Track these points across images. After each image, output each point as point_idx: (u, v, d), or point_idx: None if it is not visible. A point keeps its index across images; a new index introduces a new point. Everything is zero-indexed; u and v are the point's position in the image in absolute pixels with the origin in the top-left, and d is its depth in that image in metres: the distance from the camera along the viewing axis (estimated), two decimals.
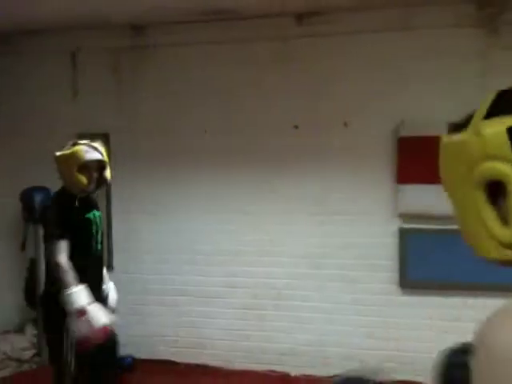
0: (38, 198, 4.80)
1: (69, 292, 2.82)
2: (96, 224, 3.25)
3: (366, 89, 4.38)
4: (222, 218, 4.73)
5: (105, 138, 4.93)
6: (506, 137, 0.85)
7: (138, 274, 4.93)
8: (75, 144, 3.12)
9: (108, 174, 3.17)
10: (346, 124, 4.44)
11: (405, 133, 4.29)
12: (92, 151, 3.06)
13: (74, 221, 3.04)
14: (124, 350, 4.87)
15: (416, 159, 4.23)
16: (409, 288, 4.37)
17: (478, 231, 0.92)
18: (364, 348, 4.40)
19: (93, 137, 4.86)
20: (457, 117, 4.02)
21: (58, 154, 3.09)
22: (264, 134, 4.59)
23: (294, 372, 4.58)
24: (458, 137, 0.94)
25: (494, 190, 0.89)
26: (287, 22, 4.48)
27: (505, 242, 0.88)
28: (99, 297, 3.14)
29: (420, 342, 4.33)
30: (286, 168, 4.58)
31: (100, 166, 3.13)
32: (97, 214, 3.31)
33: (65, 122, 5.00)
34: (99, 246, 3.29)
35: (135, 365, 4.78)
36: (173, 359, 4.81)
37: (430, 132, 4.22)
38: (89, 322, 2.79)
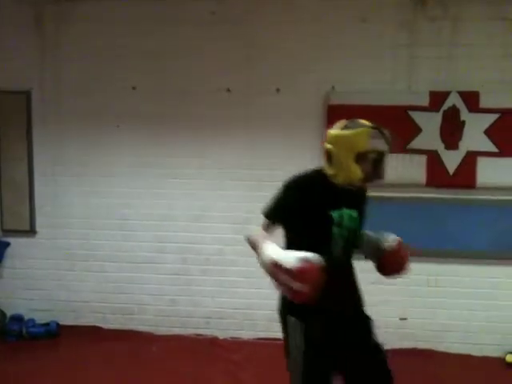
0: None
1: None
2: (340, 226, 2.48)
3: (299, 55, 4.37)
4: (151, 182, 4.64)
5: (26, 96, 4.72)
6: None
7: (62, 240, 4.77)
8: (358, 124, 2.38)
9: (384, 168, 2.40)
10: (278, 90, 4.44)
11: (334, 101, 4.33)
12: (378, 138, 2.37)
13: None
14: (48, 316, 4.77)
15: None
16: None
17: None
18: None
19: (13, 94, 4.69)
20: (384, 85, 4.10)
21: (333, 131, 2.40)
22: (196, 96, 4.50)
23: (221, 335, 4.64)
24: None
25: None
26: None
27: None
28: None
29: None
30: (217, 131, 4.53)
31: (380, 156, 2.40)
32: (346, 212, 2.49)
33: None
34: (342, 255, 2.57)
35: (60, 331, 4.68)
36: (99, 325, 4.74)
37: (358, 101, 4.29)
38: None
